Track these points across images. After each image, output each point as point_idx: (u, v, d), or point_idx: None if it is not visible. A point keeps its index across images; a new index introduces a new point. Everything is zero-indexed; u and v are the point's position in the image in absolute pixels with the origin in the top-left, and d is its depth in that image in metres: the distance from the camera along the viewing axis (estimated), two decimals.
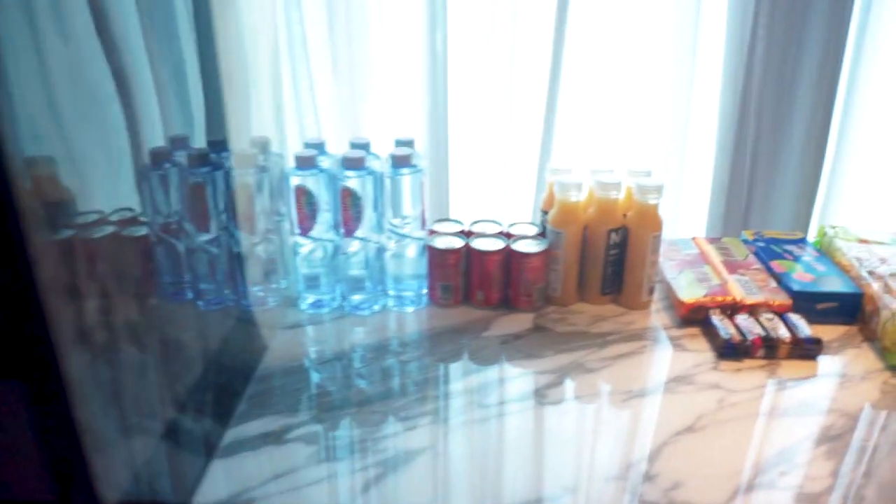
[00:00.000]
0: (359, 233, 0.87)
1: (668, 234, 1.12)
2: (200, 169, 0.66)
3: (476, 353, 0.84)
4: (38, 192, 0.43)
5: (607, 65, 1.12)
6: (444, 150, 1.15)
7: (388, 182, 0.87)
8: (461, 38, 1.09)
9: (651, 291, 0.93)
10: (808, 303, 0.88)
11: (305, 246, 0.89)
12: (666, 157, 1.18)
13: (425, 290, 0.95)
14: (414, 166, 0.87)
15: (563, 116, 1.14)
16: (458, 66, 1.11)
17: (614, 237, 0.90)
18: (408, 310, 0.94)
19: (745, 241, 1.04)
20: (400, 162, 0.86)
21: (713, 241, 1.05)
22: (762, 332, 0.82)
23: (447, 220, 1.00)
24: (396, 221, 0.89)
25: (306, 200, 0.86)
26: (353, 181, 0.84)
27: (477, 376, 0.80)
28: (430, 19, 1.06)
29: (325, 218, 0.88)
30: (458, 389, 0.78)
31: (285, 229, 0.90)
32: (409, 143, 0.93)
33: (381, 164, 0.88)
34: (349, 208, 0.86)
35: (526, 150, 1.18)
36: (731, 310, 0.88)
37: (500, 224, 0.98)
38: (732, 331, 0.83)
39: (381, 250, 0.90)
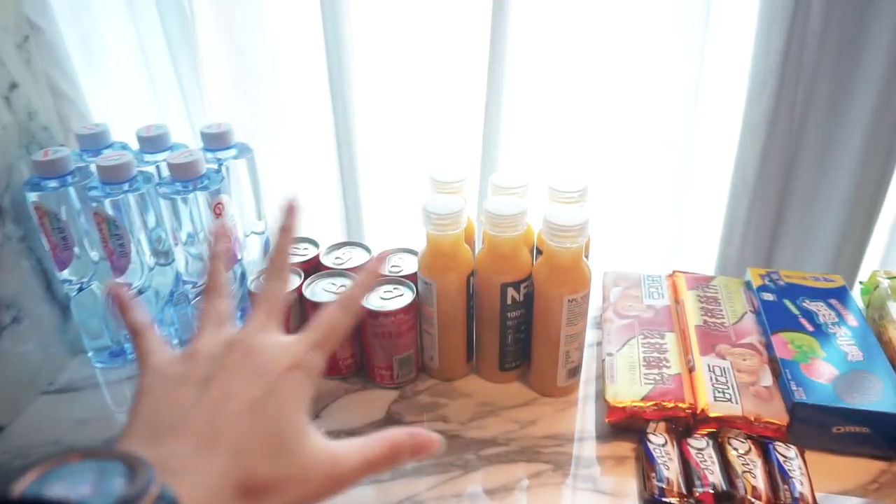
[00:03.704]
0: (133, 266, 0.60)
1: (645, 263, 0.79)
2: None
3: None
4: None
5: (570, 45, 0.73)
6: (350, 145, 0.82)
7: (163, 202, 0.58)
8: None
9: (575, 372, 0.61)
10: (820, 426, 0.53)
11: (74, 284, 0.63)
12: (660, 161, 0.79)
13: None
14: (202, 178, 0.58)
15: (513, 112, 0.76)
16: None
17: (513, 294, 0.58)
18: None
19: (748, 287, 0.68)
20: (179, 173, 0.57)
21: (699, 282, 0.69)
22: (719, 481, 0.50)
23: (303, 240, 0.70)
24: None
25: (53, 225, 0.59)
26: (107, 202, 0.56)
27: None
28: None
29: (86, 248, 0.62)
30: None
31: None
32: (221, 136, 0.63)
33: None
34: (108, 239, 0.58)
35: (465, 157, 0.82)
36: (684, 426, 0.55)
37: (369, 252, 0.68)
38: (673, 472, 0.51)
39: (174, 290, 0.63)
